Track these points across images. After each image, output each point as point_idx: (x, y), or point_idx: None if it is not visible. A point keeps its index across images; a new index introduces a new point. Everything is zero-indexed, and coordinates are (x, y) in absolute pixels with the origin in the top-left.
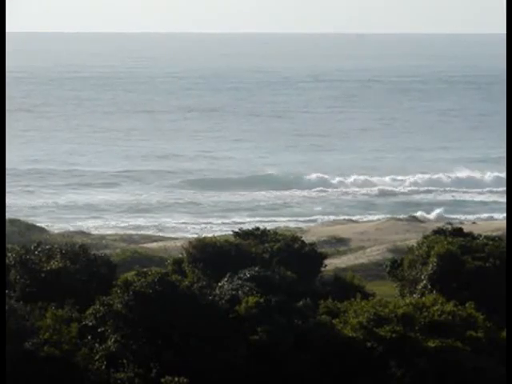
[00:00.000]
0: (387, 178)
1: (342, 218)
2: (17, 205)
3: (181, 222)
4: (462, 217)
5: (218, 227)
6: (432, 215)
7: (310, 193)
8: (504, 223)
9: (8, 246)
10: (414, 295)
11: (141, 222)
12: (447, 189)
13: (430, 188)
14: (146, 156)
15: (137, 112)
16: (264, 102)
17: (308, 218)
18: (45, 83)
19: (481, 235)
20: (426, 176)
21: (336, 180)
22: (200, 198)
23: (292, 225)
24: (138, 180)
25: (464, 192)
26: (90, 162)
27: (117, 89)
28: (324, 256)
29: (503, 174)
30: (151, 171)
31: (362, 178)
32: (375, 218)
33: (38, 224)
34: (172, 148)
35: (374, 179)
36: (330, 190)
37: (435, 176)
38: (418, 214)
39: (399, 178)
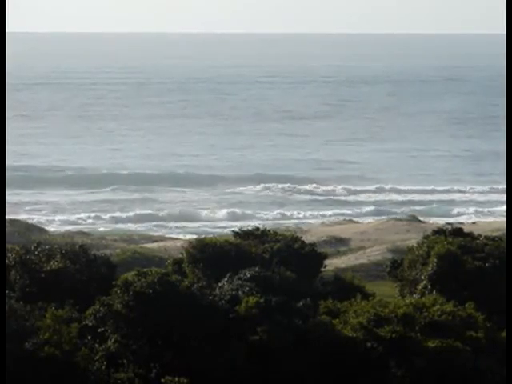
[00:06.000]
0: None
1: (342, 218)
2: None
3: None
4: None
5: None
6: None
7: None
8: (504, 223)
9: (8, 246)
10: (414, 295)
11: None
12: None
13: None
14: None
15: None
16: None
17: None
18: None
19: (481, 235)
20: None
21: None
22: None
23: None
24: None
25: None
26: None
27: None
28: (324, 256)
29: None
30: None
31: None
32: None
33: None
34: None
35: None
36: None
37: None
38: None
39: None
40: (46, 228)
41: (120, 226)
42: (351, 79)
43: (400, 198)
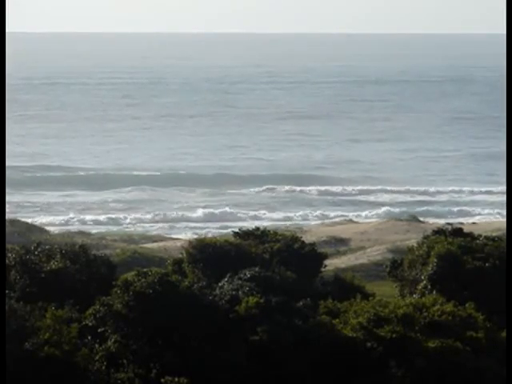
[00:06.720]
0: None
1: (342, 218)
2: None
3: None
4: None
5: None
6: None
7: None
8: (504, 223)
9: (8, 246)
10: (414, 295)
11: None
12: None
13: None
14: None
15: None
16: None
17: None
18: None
19: (481, 235)
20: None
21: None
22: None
23: None
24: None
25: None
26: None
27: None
28: (324, 256)
29: None
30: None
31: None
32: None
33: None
34: None
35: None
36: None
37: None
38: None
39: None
40: (46, 228)
41: (121, 226)
42: (353, 79)
43: (403, 198)
